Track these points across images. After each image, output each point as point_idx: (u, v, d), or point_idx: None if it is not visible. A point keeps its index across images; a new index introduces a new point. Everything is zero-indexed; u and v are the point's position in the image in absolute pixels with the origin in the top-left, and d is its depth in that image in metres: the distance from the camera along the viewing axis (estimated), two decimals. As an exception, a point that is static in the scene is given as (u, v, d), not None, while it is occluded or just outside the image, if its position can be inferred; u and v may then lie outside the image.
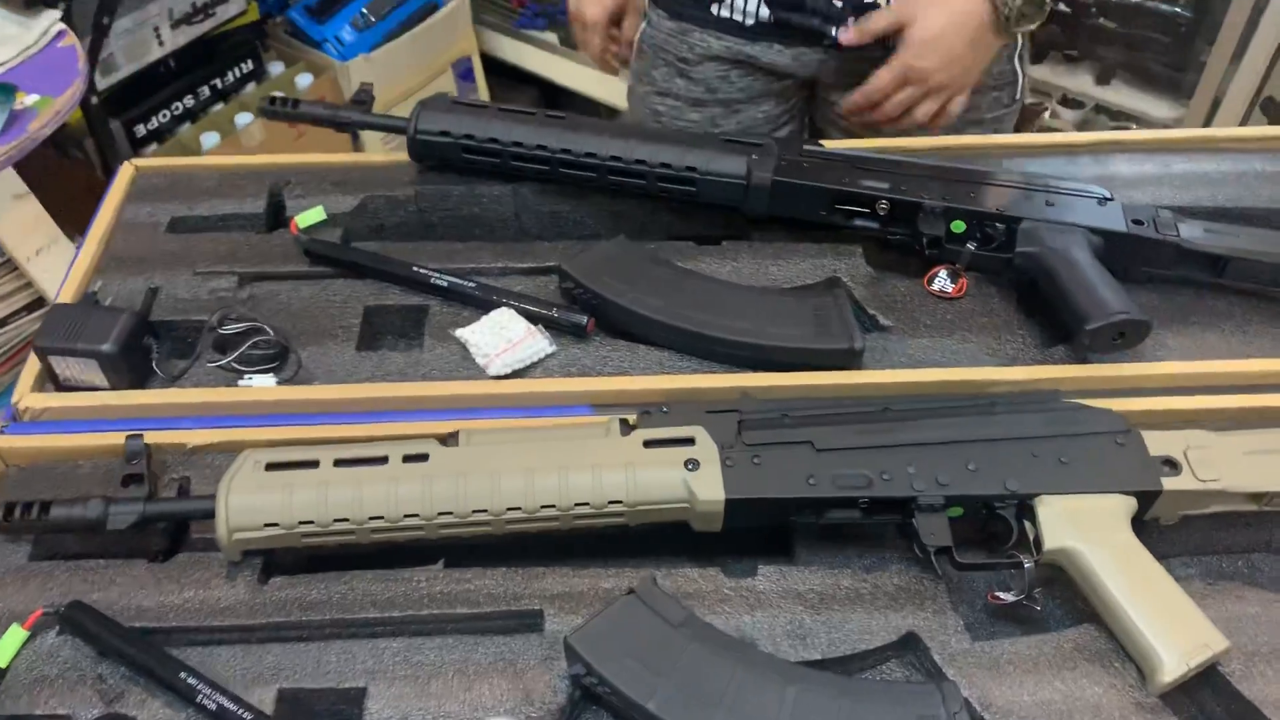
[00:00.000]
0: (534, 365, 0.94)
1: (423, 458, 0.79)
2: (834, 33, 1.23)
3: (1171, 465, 0.81)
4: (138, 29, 2.12)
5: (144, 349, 0.92)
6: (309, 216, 1.05)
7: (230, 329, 0.94)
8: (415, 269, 1.00)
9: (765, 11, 1.26)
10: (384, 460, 0.79)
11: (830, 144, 1.08)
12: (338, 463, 0.79)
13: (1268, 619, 0.78)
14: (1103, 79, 2.31)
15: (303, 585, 0.80)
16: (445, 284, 0.98)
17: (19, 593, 0.79)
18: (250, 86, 2.38)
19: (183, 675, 0.72)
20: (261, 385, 0.91)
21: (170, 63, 2.25)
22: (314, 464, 0.79)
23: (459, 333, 0.95)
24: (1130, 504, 0.80)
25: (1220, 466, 0.81)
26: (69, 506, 0.79)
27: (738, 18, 1.28)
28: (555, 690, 0.73)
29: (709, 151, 1.04)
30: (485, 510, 0.78)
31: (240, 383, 0.92)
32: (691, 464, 0.79)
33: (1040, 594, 0.78)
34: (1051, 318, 0.97)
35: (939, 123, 1.21)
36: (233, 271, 1.03)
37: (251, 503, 0.77)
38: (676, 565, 0.81)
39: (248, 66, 2.36)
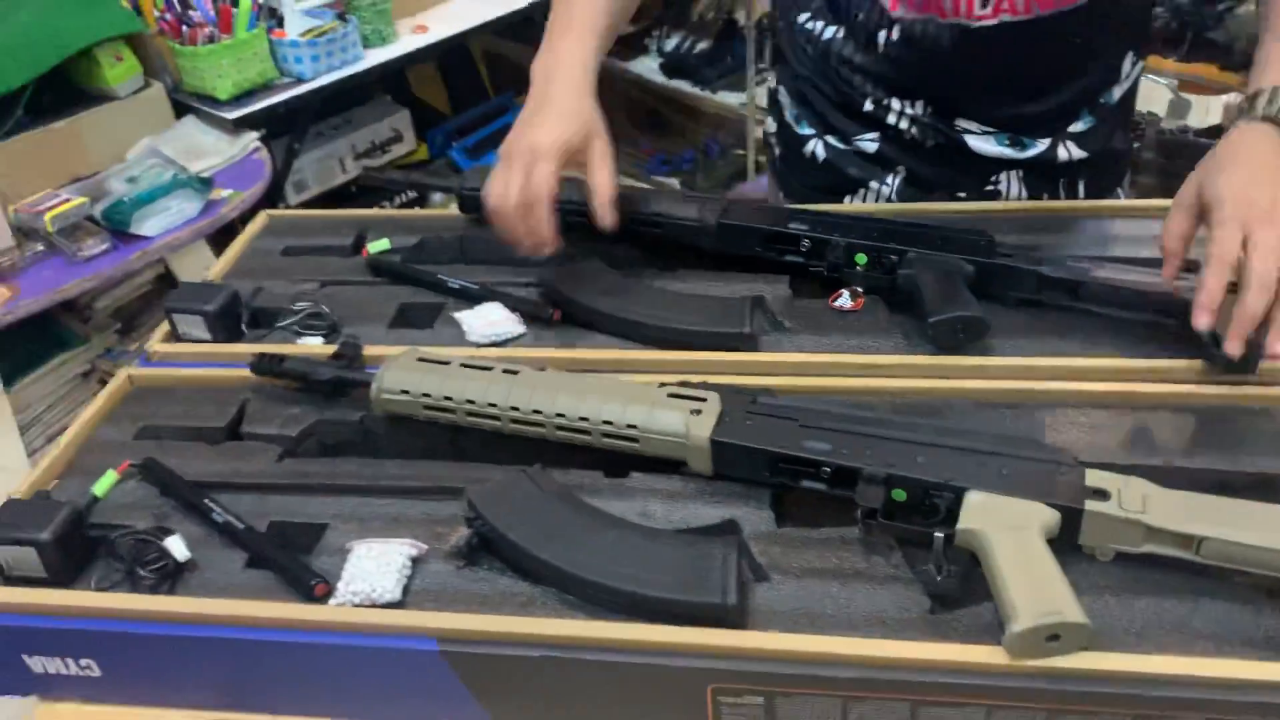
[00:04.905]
0: (508, 341, 1.23)
1: (514, 372, 1.08)
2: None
3: (1101, 495, 0.87)
4: (326, 158, 2.66)
5: (236, 315, 1.28)
6: (378, 245, 1.41)
7: (300, 307, 1.29)
8: (438, 276, 1.33)
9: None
10: (489, 369, 1.09)
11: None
12: (462, 364, 1.09)
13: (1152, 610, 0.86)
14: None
15: (305, 464, 1.10)
16: (456, 286, 1.31)
17: (124, 456, 1.12)
18: (415, 210, 2.87)
19: (206, 501, 1.03)
20: (310, 343, 1.25)
21: (352, 188, 2.77)
22: (446, 362, 1.10)
23: (457, 314, 1.27)
24: (1049, 515, 0.87)
25: (1150, 504, 0.86)
26: (300, 362, 1.16)
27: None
28: (460, 536, 0.99)
29: (672, 201, 1.35)
30: (540, 412, 1.04)
31: (298, 341, 1.26)
32: (695, 411, 1.02)
33: (949, 569, 0.87)
34: (920, 325, 1.19)
35: None
36: (318, 280, 1.39)
37: (397, 377, 1.09)
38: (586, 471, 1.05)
39: (413, 193, 2.86)
